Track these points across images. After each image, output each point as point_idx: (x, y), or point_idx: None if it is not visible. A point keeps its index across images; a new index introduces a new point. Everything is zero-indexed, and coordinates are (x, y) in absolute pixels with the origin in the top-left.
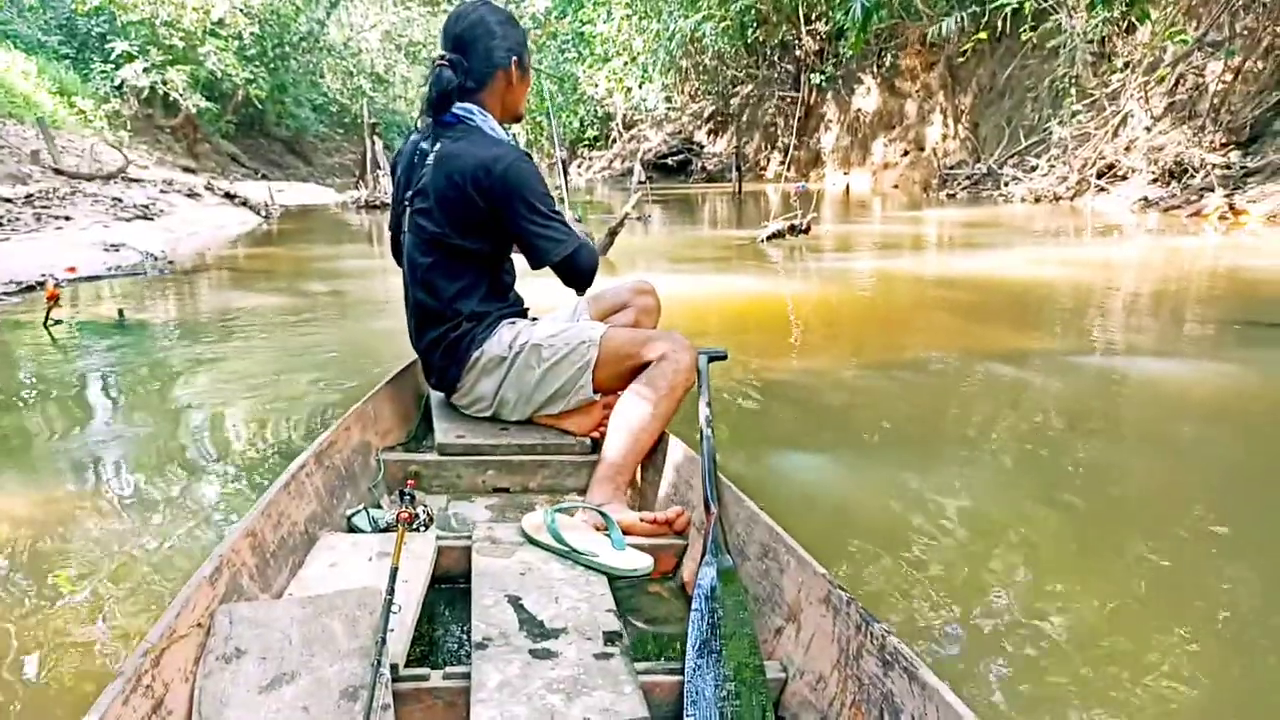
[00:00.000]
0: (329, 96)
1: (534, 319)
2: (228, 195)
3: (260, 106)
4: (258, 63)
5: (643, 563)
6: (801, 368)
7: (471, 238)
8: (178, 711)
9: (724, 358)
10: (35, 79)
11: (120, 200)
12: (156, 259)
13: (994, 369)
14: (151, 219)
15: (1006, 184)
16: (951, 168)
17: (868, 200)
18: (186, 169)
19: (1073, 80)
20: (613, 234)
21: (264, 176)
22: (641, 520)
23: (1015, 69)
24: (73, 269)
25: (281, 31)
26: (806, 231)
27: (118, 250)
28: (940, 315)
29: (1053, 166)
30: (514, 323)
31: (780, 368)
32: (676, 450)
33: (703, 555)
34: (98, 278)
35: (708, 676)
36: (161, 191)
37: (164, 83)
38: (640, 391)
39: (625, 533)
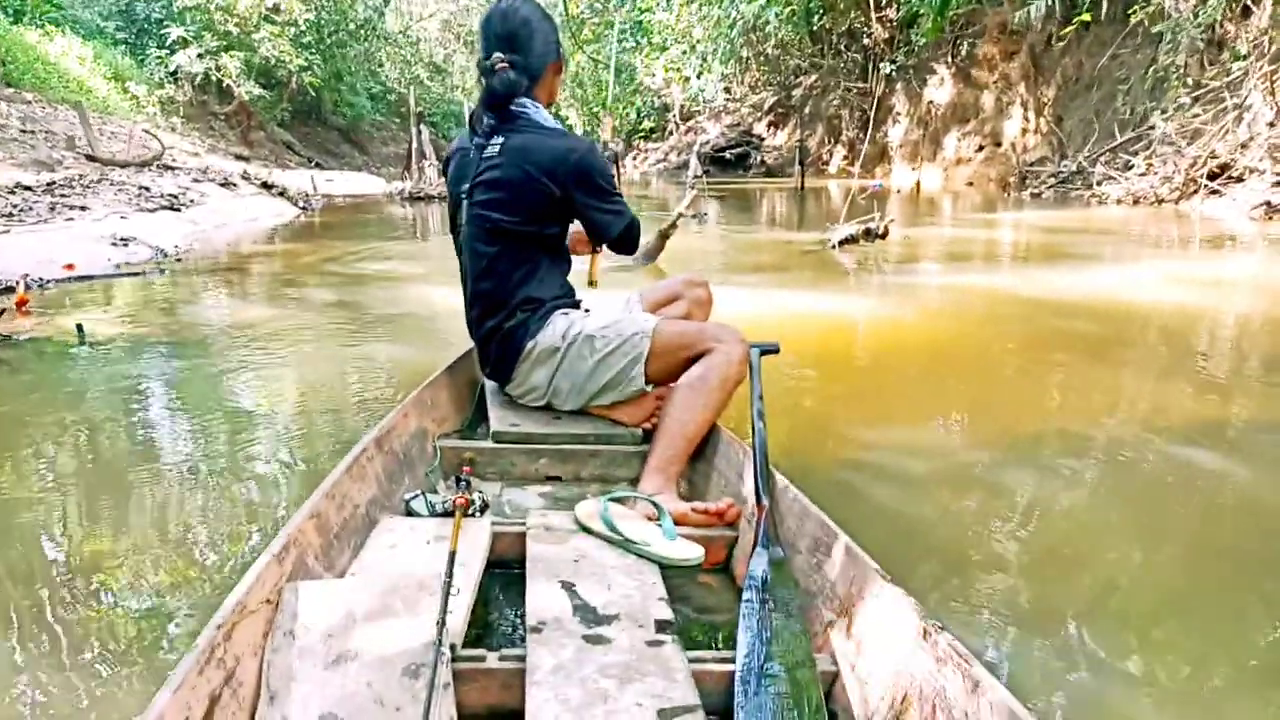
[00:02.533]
0: (386, 85)
1: (586, 310)
2: (265, 185)
3: (316, 94)
4: (313, 50)
5: (694, 553)
6: (896, 440)
7: (541, 223)
8: (248, 684)
9: (776, 351)
10: (90, 64)
11: (147, 189)
12: (166, 256)
13: (1165, 451)
14: (178, 210)
15: (1099, 183)
16: (1032, 164)
17: (938, 199)
18: (239, 156)
19: (1179, 70)
20: (664, 236)
21: (318, 165)
22: (693, 511)
23: (1105, 59)
24: (71, 266)
25: (338, 19)
26: (883, 237)
27: (127, 245)
28: (1066, 358)
29: (1150, 164)
30: (567, 313)
31: (866, 437)
32: (728, 442)
33: (754, 547)
34: (91, 278)
35: (759, 667)
36: (194, 180)
37: (218, 69)
38: (692, 384)
39: (676, 523)
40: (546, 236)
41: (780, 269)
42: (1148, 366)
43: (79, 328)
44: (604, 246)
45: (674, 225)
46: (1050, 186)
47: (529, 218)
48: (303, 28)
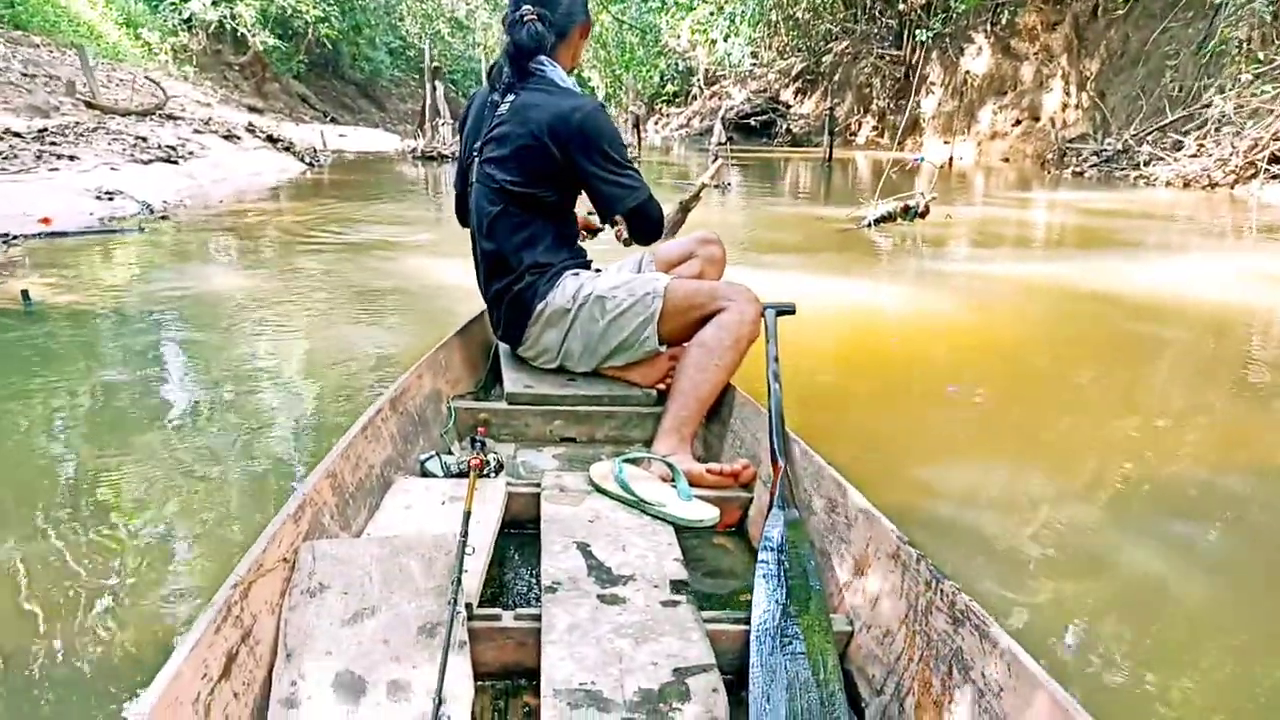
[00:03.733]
0: (406, 40)
1: (597, 270)
2: (270, 139)
3: (333, 47)
4: (330, 1)
5: (709, 514)
6: (955, 483)
7: (543, 186)
8: (265, 641)
9: (792, 312)
10: (102, 8)
11: (145, 140)
12: (153, 212)
13: None
14: (176, 162)
15: (1146, 163)
16: (1072, 141)
17: (972, 174)
18: (252, 108)
19: (1242, 45)
20: (686, 209)
21: (333, 120)
22: (708, 472)
23: (1154, 32)
24: (47, 220)
25: None
26: (923, 215)
27: (112, 199)
28: (1152, 373)
29: (1202, 145)
30: (577, 274)
31: (915, 475)
32: (742, 403)
33: (769, 508)
34: (64, 234)
35: (774, 627)
36: (195, 132)
37: (232, 17)
38: (705, 344)
39: (691, 484)
40: (547, 202)
41: (810, 250)
42: (1256, 390)
43: (24, 294)
44: (618, 228)
45: (697, 197)
46: (1093, 165)
47: (530, 179)
48: None
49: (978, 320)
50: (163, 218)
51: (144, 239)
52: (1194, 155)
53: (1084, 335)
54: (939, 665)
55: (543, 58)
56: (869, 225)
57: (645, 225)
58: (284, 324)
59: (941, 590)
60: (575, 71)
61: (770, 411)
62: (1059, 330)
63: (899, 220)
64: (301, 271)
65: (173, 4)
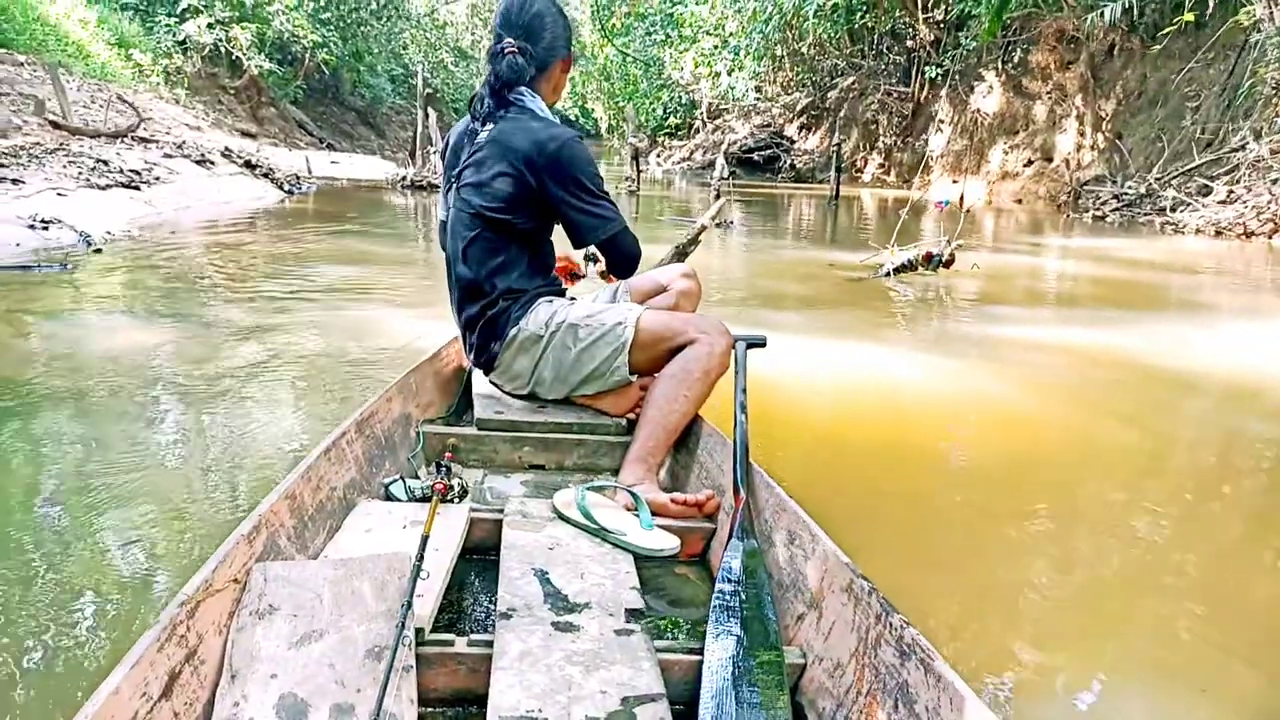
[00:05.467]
0: (408, 69)
1: (572, 299)
2: (248, 164)
3: (333, 74)
4: (331, 26)
5: (669, 544)
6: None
7: (518, 213)
8: (210, 662)
9: (763, 345)
10: (93, 28)
11: (106, 163)
12: (90, 244)
13: None
14: (138, 188)
15: (1172, 209)
16: (1086, 183)
17: (982, 216)
18: (246, 133)
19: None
20: (682, 254)
21: (330, 146)
22: (672, 501)
23: (1172, 72)
24: None
25: None
26: (948, 265)
27: (47, 229)
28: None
29: (1232, 191)
30: (551, 301)
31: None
32: (710, 434)
33: (729, 539)
34: None
35: (727, 658)
36: (166, 156)
37: (228, 40)
38: (675, 375)
39: (655, 513)
40: (522, 229)
41: (821, 303)
42: None
43: None
44: (591, 268)
45: (695, 240)
46: (1114, 209)
47: (505, 205)
48: (321, 3)
49: (1035, 404)
50: (97, 251)
51: (64, 278)
52: (1224, 201)
53: (1206, 441)
54: (885, 699)
55: (522, 89)
56: (887, 274)
57: (619, 257)
58: (156, 405)
59: (891, 624)
60: (571, 104)
61: (735, 443)
62: (1165, 426)
63: (920, 269)
64: (224, 327)
65: (168, 26)
